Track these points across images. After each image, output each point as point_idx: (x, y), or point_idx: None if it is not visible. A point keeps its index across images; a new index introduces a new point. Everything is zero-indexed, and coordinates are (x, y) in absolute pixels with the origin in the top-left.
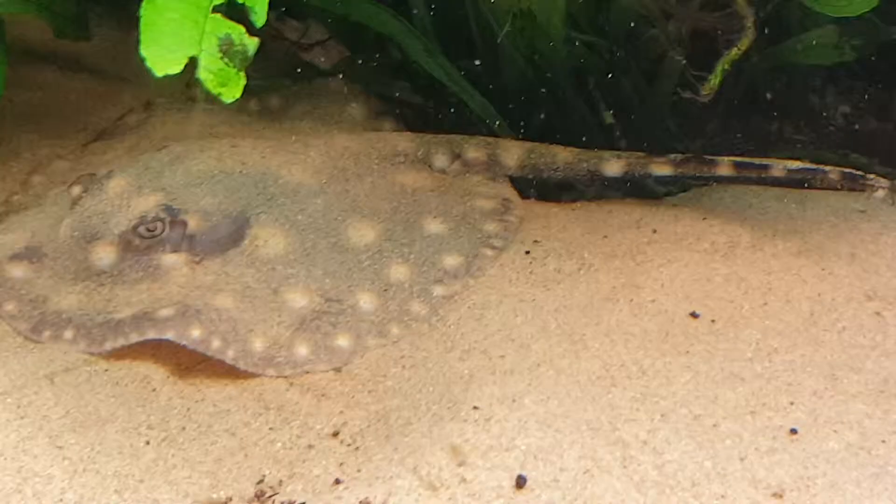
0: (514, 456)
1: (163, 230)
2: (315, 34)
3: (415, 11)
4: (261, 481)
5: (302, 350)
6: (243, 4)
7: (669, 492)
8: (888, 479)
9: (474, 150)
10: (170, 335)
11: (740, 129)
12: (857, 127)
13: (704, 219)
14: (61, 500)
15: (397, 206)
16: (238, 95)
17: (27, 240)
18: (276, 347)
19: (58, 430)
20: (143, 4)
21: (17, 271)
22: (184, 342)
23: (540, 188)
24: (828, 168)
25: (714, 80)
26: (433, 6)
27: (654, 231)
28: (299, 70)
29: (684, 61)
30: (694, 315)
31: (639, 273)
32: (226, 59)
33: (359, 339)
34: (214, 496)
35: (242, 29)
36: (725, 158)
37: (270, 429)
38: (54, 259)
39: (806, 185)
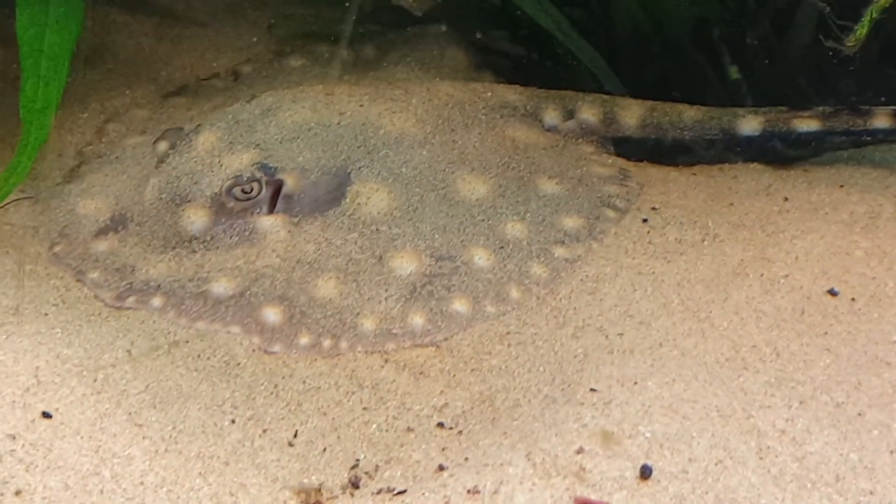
0: (638, 444)
1: (259, 191)
2: None
3: None
4: (355, 466)
5: (418, 320)
6: None
7: (811, 486)
8: None
9: (589, 107)
10: (277, 348)
11: (878, 87)
12: None
13: (841, 186)
14: (142, 482)
15: (508, 161)
16: None
17: (111, 207)
18: (390, 321)
19: (137, 406)
20: None
21: (104, 245)
22: (294, 352)
23: (653, 152)
24: None
25: (861, 31)
26: None
27: (786, 199)
28: (392, 16)
29: (827, 7)
30: (832, 293)
31: (770, 245)
32: None
33: (477, 304)
34: (305, 481)
35: None
36: (884, 109)
37: (364, 409)
38: (140, 224)
39: None
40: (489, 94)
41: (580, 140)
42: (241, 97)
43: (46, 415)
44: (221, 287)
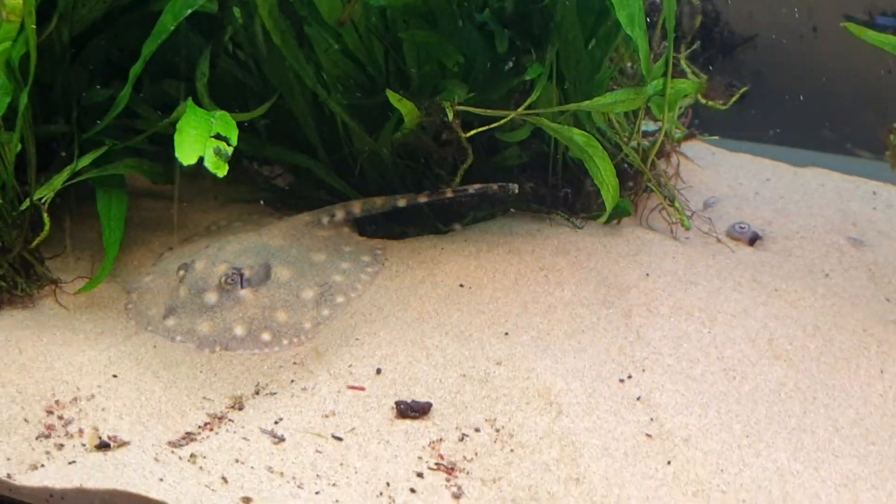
0: (375, 360)
1: (235, 279)
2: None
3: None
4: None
5: (325, 313)
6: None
7: (464, 379)
8: None
9: (339, 209)
10: (256, 349)
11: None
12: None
13: (465, 240)
14: None
15: (322, 244)
16: (224, 174)
17: (166, 303)
18: (315, 319)
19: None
20: (177, 133)
21: (171, 321)
22: (264, 350)
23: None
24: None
25: (458, 180)
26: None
27: (442, 249)
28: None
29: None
30: (461, 286)
31: (435, 269)
32: (218, 158)
33: (335, 308)
34: (237, 393)
35: (225, 144)
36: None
37: (286, 369)
38: (183, 306)
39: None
40: (298, 220)
41: (344, 229)
42: (214, 241)
43: None
44: (237, 329)
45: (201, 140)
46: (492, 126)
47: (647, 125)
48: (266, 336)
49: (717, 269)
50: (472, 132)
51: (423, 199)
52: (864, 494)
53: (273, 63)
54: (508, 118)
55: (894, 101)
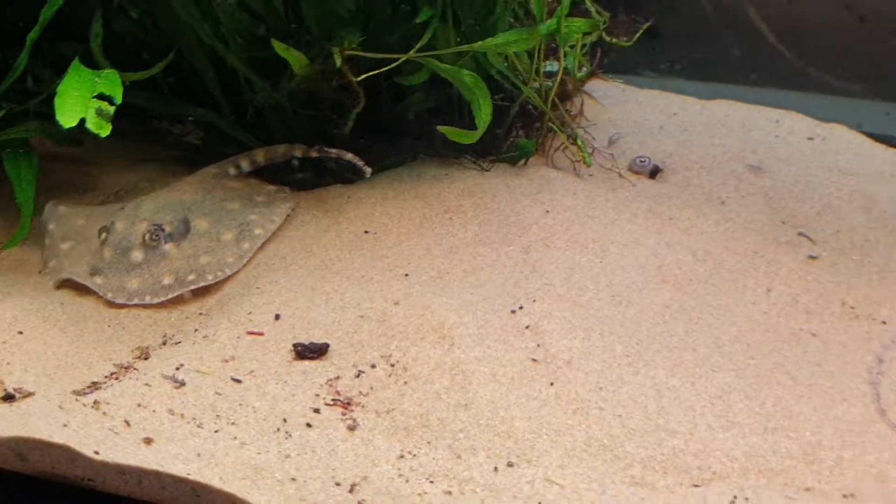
0: (275, 306)
1: (158, 235)
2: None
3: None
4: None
5: (245, 246)
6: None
7: (345, 310)
8: None
9: (243, 159)
10: (184, 288)
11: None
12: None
13: (372, 188)
14: None
15: (235, 194)
16: (107, 134)
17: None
18: (237, 253)
19: None
20: (57, 95)
21: (99, 279)
22: (191, 287)
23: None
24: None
25: (350, 125)
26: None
27: (349, 197)
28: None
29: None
30: (366, 232)
31: (341, 217)
32: (100, 118)
33: (254, 240)
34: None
35: (107, 104)
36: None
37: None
38: (111, 267)
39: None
40: (206, 172)
41: (252, 180)
42: (128, 202)
43: None
44: (165, 279)
45: (83, 101)
46: (384, 69)
47: (552, 65)
48: (192, 276)
49: (614, 202)
50: (363, 76)
51: (313, 153)
52: (738, 405)
53: (169, 20)
54: (399, 61)
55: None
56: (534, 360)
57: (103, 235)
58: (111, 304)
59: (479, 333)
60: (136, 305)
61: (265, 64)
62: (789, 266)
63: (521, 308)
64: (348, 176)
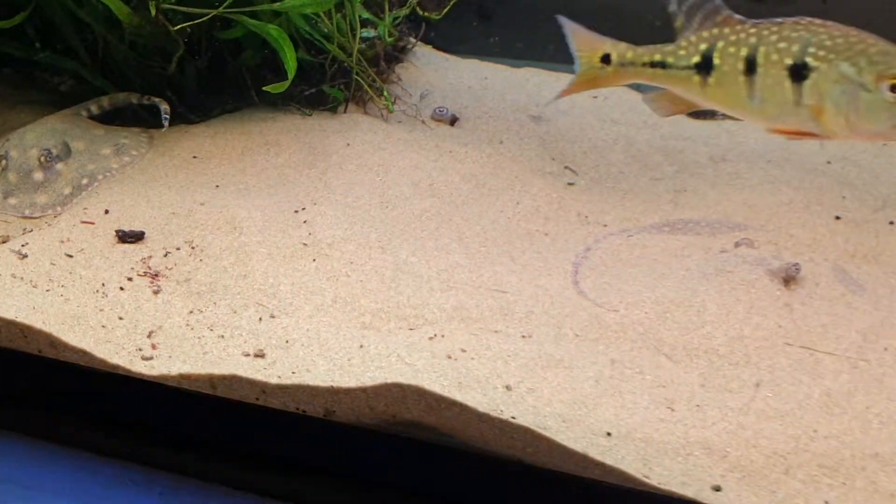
0: (105, 204)
1: (51, 156)
2: None
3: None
4: None
5: (126, 159)
6: None
7: (161, 209)
8: None
9: (93, 104)
10: (82, 192)
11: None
12: None
13: (208, 126)
14: None
15: (98, 127)
16: None
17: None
18: (120, 163)
19: None
20: None
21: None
22: (86, 189)
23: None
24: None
25: (172, 67)
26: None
27: (187, 132)
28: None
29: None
30: (195, 157)
31: (175, 147)
32: None
33: (132, 157)
34: None
35: None
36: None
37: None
38: (17, 188)
39: None
40: (65, 111)
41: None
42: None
43: None
44: (65, 189)
45: None
46: (198, 21)
47: (370, 32)
48: (85, 181)
49: (408, 140)
50: (179, 26)
51: (144, 100)
52: (459, 276)
53: None
54: (209, 15)
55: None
56: (304, 244)
57: (2, 163)
58: None
59: (263, 225)
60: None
61: (113, 20)
62: (543, 188)
63: (303, 209)
64: (190, 118)
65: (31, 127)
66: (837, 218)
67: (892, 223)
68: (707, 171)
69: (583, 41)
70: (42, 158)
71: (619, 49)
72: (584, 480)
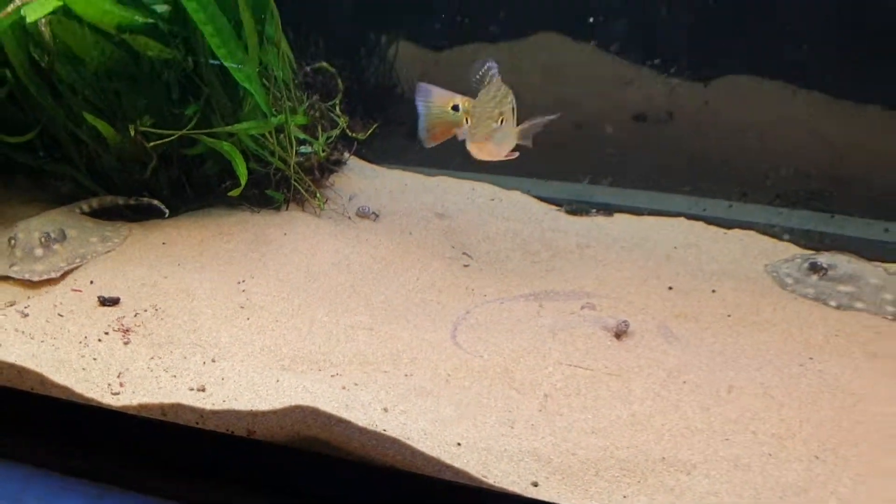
0: (91, 277)
1: (50, 237)
2: None
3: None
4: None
5: (109, 245)
6: None
7: (133, 280)
8: None
9: (84, 203)
10: (73, 265)
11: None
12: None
13: (177, 219)
14: None
15: (89, 221)
16: None
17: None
18: (105, 247)
19: None
20: None
21: (16, 269)
22: (77, 265)
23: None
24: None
25: (148, 173)
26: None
27: (159, 223)
28: None
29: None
30: (164, 243)
31: (150, 235)
32: None
33: (114, 244)
34: None
35: None
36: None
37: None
38: (21, 260)
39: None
40: (61, 208)
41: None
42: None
43: None
44: (60, 263)
45: None
46: (168, 140)
47: (307, 148)
48: (77, 260)
49: (334, 231)
50: (153, 143)
51: (131, 201)
52: (362, 333)
53: (32, 104)
54: (175, 136)
55: None
56: (242, 307)
57: (12, 242)
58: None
59: (211, 293)
60: (44, 280)
61: (103, 137)
62: (440, 268)
63: (244, 281)
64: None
65: (36, 217)
66: (670, 288)
67: (714, 291)
68: (573, 255)
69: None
70: (43, 239)
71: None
72: (440, 481)
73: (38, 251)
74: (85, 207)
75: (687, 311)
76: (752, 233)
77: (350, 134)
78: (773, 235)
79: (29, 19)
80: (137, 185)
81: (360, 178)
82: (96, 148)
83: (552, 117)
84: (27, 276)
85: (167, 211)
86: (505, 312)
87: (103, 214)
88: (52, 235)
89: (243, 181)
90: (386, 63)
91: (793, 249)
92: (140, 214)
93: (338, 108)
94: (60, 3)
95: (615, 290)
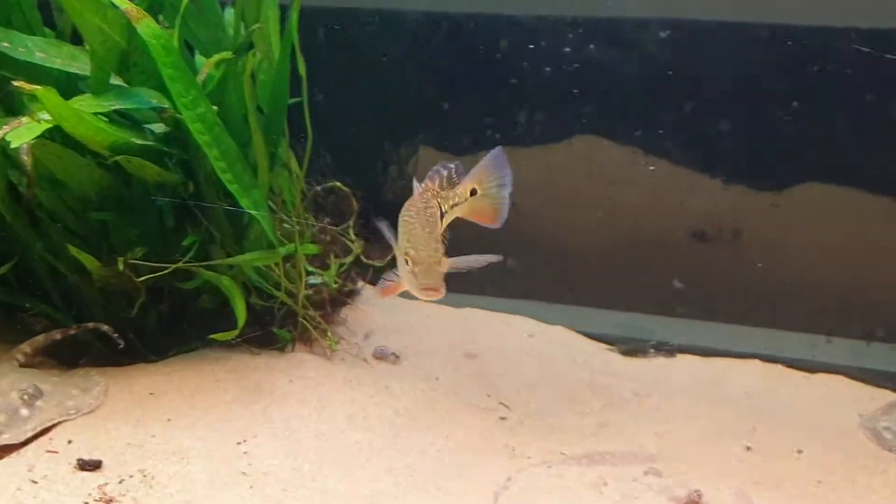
0: (69, 434)
1: (30, 394)
2: None
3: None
4: None
5: (94, 393)
6: None
7: (118, 440)
8: None
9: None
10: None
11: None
12: None
13: (165, 364)
14: None
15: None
16: None
17: None
18: (93, 398)
19: None
20: None
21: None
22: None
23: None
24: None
25: (135, 310)
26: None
27: (144, 370)
28: None
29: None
30: (151, 394)
31: (134, 383)
32: None
33: (97, 397)
34: None
35: None
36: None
37: None
38: (8, 425)
39: None
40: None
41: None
42: None
43: None
44: (48, 417)
45: None
46: (161, 273)
47: (316, 279)
48: (65, 416)
49: (347, 377)
50: (143, 278)
51: (71, 331)
52: (383, 501)
53: (11, 236)
54: (169, 269)
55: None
56: (243, 473)
57: None
58: None
59: (206, 455)
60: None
61: (85, 268)
62: (473, 422)
63: (244, 441)
64: (150, 357)
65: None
66: (748, 448)
67: (800, 451)
68: (630, 406)
69: None
70: (26, 398)
71: None
72: None
73: (24, 411)
74: (20, 358)
75: (768, 477)
76: (840, 377)
77: (366, 261)
78: (867, 380)
79: (13, 144)
80: (122, 323)
81: (376, 312)
82: (77, 280)
83: (492, 259)
84: (22, 439)
85: (121, 342)
86: (553, 479)
87: (80, 356)
88: (31, 392)
89: (241, 322)
90: (405, 176)
91: (891, 397)
92: (122, 355)
93: (351, 232)
94: (48, 126)
95: (682, 450)
